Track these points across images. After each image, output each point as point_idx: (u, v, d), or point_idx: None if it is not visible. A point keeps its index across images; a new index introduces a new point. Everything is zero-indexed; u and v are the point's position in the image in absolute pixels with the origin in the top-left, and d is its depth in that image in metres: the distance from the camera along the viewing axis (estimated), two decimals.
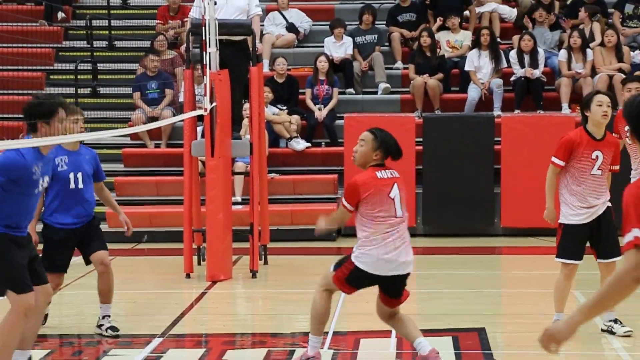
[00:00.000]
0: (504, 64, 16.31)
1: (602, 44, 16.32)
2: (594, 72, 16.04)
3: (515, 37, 16.67)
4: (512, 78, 16.18)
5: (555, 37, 16.91)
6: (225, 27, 11.67)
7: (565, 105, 15.91)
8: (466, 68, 16.33)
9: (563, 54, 16.24)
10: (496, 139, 14.99)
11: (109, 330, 8.88)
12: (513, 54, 16.20)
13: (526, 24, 17.02)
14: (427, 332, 9.04)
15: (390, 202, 7.19)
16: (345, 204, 7.25)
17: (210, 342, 8.83)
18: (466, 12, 17.69)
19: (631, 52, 16.55)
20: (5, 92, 16.48)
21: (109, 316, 8.94)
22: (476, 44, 16.49)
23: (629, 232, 4.02)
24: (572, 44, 16.11)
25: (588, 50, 16.14)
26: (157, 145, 16.02)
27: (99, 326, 8.95)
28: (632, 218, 4.04)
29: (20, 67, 16.82)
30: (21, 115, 17.53)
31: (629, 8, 17.39)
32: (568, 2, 17.72)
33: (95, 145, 16.29)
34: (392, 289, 7.31)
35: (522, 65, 16.06)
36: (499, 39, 16.89)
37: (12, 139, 7.34)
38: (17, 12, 17.67)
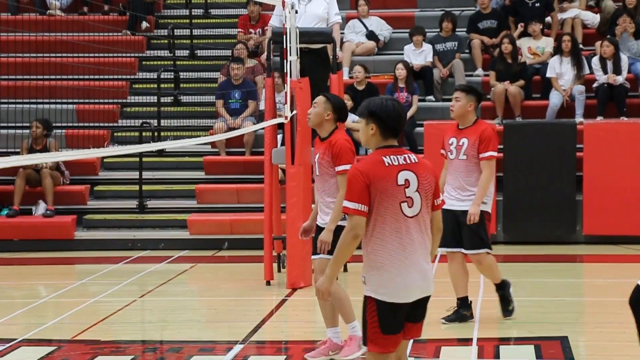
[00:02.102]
0: (587, 71, 16.11)
1: None
2: None
3: (598, 44, 16.45)
4: (595, 84, 15.98)
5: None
6: (306, 35, 11.72)
7: None
8: (548, 75, 16.17)
9: None
10: (578, 145, 14.82)
11: None
12: (595, 60, 16.00)
13: (618, 33, 16.64)
14: (509, 341, 8.99)
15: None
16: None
17: (291, 349, 8.87)
18: (548, 19, 17.53)
19: None
20: (90, 101, 16.75)
21: None
22: (558, 50, 16.33)
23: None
24: None
25: None
26: (238, 153, 16.13)
27: None
28: (347, 192, 5.53)
29: (104, 77, 17.08)
30: (105, 124, 17.72)
31: None
32: None
33: (176, 153, 16.55)
34: None
35: (605, 72, 15.86)
36: (581, 46, 16.70)
37: (98, 148, 7.48)
38: (101, 22, 17.96)
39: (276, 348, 8.97)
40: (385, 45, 17.78)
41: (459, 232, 9.21)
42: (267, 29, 13.80)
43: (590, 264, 13.86)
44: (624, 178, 14.54)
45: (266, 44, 12.74)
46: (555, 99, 15.93)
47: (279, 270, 12.13)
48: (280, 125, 11.97)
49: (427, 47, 16.85)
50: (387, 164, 5.65)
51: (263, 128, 12.13)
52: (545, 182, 14.71)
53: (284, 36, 11.39)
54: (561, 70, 16.06)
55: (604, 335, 9.10)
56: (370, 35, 17.55)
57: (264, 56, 15.08)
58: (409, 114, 15.84)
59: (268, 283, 11.71)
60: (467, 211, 9.10)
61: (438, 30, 17.26)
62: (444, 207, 6.03)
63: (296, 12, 11.51)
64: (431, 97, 16.60)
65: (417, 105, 15.99)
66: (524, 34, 17.04)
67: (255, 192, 14.53)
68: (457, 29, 17.25)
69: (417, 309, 5.67)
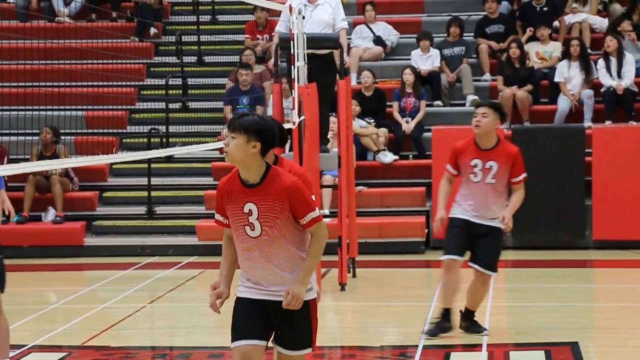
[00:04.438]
0: (595, 75, 16.09)
1: None
2: None
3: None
4: (602, 89, 15.95)
5: None
6: (313, 41, 11.72)
7: None
8: (556, 79, 16.16)
9: None
10: (587, 150, 14.80)
11: None
12: (601, 62, 15.95)
13: (623, 33, 16.63)
14: (519, 346, 8.97)
15: None
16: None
17: None
18: (556, 23, 17.51)
19: None
20: (99, 107, 16.77)
21: None
22: (566, 54, 16.31)
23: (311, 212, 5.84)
24: None
25: None
26: None
27: None
28: (310, 203, 5.87)
29: (112, 83, 17.10)
30: (114, 131, 17.73)
31: None
32: None
33: (184, 159, 16.56)
34: None
35: (608, 70, 15.80)
36: (589, 50, 16.68)
37: (107, 154, 7.48)
38: (110, 29, 17.99)
39: None
40: (392, 51, 17.78)
41: (468, 243, 8.79)
42: (274, 35, 13.82)
43: (600, 269, 13.84)
44: (633, 182, 14.51)
45: (273, 49, 12.75)
46: (563, 104, 15.91)
47: None
48: (288, 131, 11.96)
49: (435, 52, 16.84)
50: None
51: None
52: (554, 187, 14.68)
53: (292, 42, 11.39)
54: (569, 75, 16.05)
55: (615, 340, 9.08)
56: (378, 41, 17.56)
57: (271, 62, 15.10)
58: (417, 119, 15.84)
59: None
60: (489, 226, 8.68)
61: (445, 35, 17.26)
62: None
63: (303, 17, 11.52)
64: (439, 102, 16.59)
65: (424, 111, 15.98)
66: (532, 38, 17.03)
67: None
68: (464, 34, 17.24)
69: None
